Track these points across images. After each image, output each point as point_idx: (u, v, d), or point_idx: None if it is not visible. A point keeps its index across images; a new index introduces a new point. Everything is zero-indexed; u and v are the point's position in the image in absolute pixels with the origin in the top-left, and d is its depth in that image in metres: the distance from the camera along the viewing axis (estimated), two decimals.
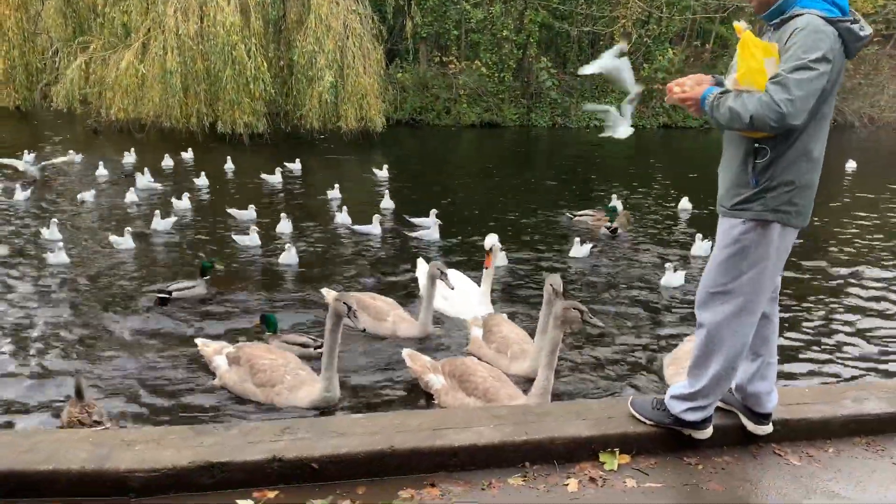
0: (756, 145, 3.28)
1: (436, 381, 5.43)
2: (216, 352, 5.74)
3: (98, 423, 4.84)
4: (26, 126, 23.04)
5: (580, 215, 11.73)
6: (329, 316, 5.11)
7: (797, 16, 3.15)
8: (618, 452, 3.68)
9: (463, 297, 7.37)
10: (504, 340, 6.13)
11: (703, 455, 3.76)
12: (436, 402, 5.40)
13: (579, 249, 9.63)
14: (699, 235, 9.97)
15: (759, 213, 3.31)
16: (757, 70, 3.11)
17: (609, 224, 11.00)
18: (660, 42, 28.80)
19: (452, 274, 7.87)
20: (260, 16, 18.66)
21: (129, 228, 9.70)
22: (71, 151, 15.53)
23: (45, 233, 9.69)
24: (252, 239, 9.81)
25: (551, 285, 5.79)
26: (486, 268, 7.29)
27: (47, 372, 5.85)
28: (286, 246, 9.17)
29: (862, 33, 3.17)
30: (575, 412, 3.90)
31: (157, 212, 10.70)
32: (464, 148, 23.28)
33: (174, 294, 7.59)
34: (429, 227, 10.68)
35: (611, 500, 3.34)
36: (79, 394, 4.86)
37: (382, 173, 15.38)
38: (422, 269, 8.23)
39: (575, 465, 3.61)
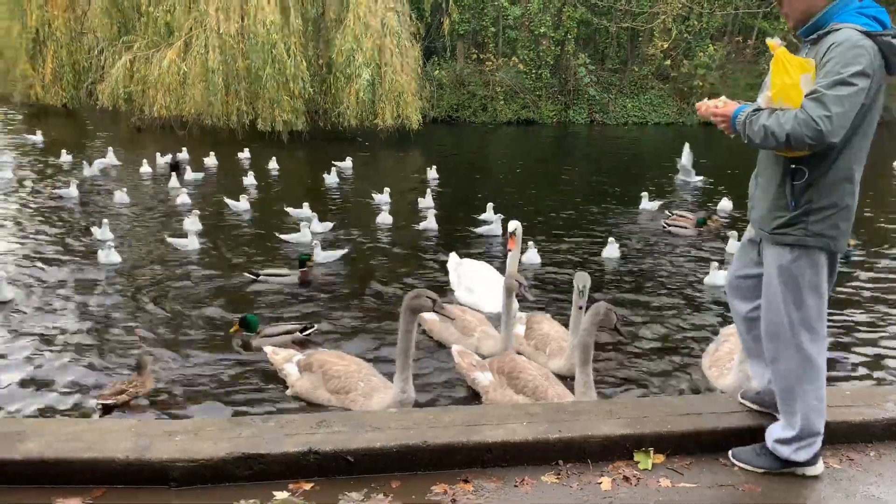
0: (794, 166, 3.20)
1: (483, 378, 5.43)
2: (286, 360, 5.64)
3: (135, 396, 5.04)
4: (73, 124, 23.64)
5: (674, 222, 11.16)
6: (403, 313, 4.83)
7: (835, 30, 3.06)
8: (652, 452, 3.66)
9: (488, 289, 7.35)
10: (544, 338, 6.11)
11: None
12: (483, 399, 5.36)
13: (611, 250, 9.54)
14: (734, 233, 9.83)
15: (800, 237, 3.24)
16: (792, 86, 3.02)
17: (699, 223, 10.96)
18: (700, 38, 28.42)
19: (478, 265, 8.07)
20: (299, 14, 18.85)
21: (192, 228, 9.85)
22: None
23: (97, 232, 9.76)
24: (304, 235, 9.88)
25: (578, 285, 5.78)
26: (511, 250, 7.14)
27: (105, 365, 5.97)
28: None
29: None
30: (609, 411, 3.88)
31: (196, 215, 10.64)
32: (502, 145, 23.22)
33: (262, 278, 7.96)
34: (491, 223, 10.73)
35: (645, 500, 3.33)
36: (139, 367, 5.01)
37: (432, 173, 15.22)
38: (453, 262, 8.28)
39: (609, 464, 3.60)
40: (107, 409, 4.99)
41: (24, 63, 23.97)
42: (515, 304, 6.21)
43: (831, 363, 6.17)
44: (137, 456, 3.30)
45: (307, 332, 6.38)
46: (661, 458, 3.67)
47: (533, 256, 9.12)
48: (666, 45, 27.92)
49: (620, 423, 3.76)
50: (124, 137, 20.45)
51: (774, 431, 3.59)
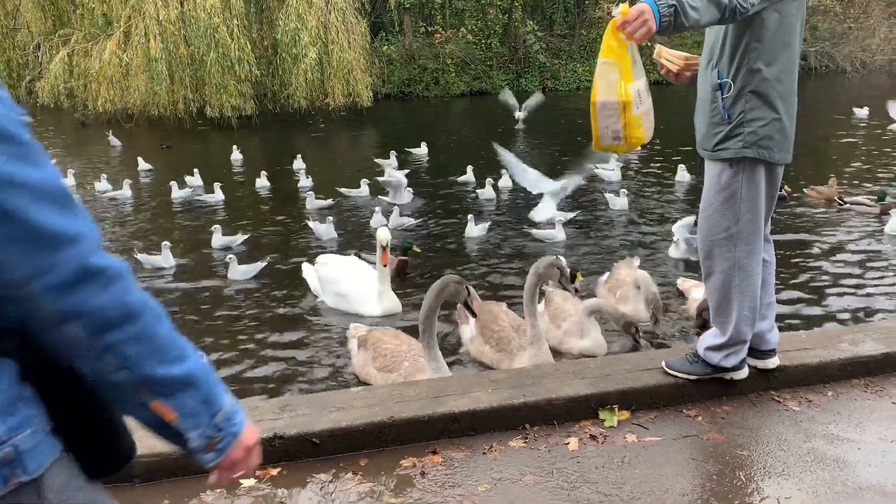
0: (720, 81, 3.34)
1: (466, 331, 5.41)
2: (353, 336, 5.52)
3: None
4: None
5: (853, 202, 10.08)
6: (434, 291, 4.48)
7: None
8: (617, 409, 3.69)
9: (361, 291, 6.66)
10: (559, 311, 5.75)
11: (702, 406, 3.78)
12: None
13: (473, 229, 9.10)
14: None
15: (739, 150, 3.36)
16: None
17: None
18: None
19: (348, 261, 7.02)
20: None
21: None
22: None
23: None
24: (328, 230, 9.18)
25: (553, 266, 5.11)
26: (384, 265, 6.51)
27: None
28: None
29: None
30: (572, 372, 3.91)
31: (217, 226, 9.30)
32: (456, 117, 23.12)
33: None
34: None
35: (612, 456, 3.36)
36: None
37: (421, 150, 14.81)
38: (308, 267, 7.33)
39: (575, 424, 3.63)
40: None
41: None
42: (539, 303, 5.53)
43: (787, 308, 6.31)
44: None
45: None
46: (626, 414, 3.70)
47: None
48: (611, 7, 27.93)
49: (584, 383, 3.78)
50: (69, 134, 19.91)
51: (706, 339, 3.77)
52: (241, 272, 7.70)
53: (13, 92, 22.44)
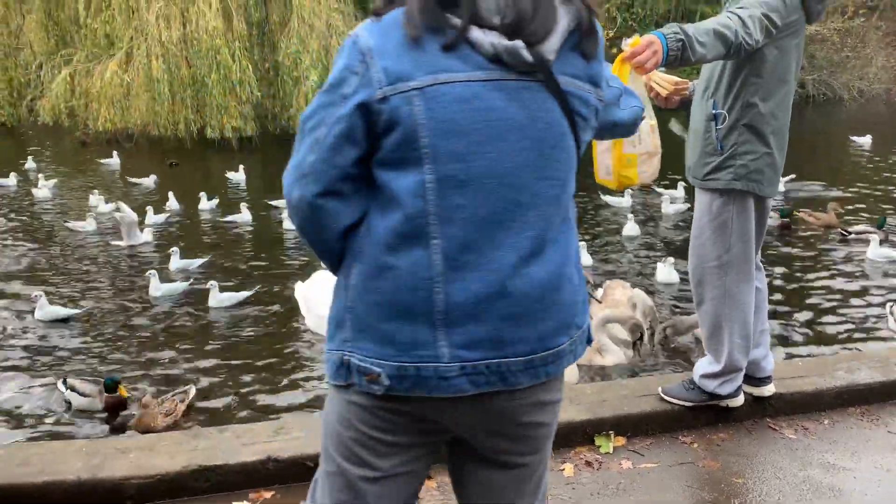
0: (715, 112, 3.37)
1: None
2: None
3: (169, 415, 4.97)
4: (13, 142, 22.94)
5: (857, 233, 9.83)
6: None
7: None
8: (613, 435, 3.68)
9: None
10: (615, 304, 6.13)
11: (698, 433, 3.78)
12: None
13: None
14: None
15: (729, 182, 3.38)
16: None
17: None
18: (645, 25, 28.76)
19: (327, 279, 6.42)
20: (243, 19, 18.55)
21: None
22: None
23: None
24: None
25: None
26: None
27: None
28: None
29: None
30: (568, 398, 3.89)
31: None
32: None
33: None
34: None
35: (607, 483, 3.35)
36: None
37: None
38: (300, 287, 7.08)
39: (570, 451, 3.62)
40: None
41: None
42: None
43: (783, 334, 6.32)
44: (90, 475, 3.21)
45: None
46: (621, 440, 3.70)
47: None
48: (612, 34, 28.20)
49: (580, 408, 3.78)
50: (69, 153, 19.95)
51: (701, 367, 3.76)
52: (220, 300, 7.46)
53: (14, 111, 22.58)
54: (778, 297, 7.22)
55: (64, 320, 7.09)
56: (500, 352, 1.61)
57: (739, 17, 3.00)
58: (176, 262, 8.77)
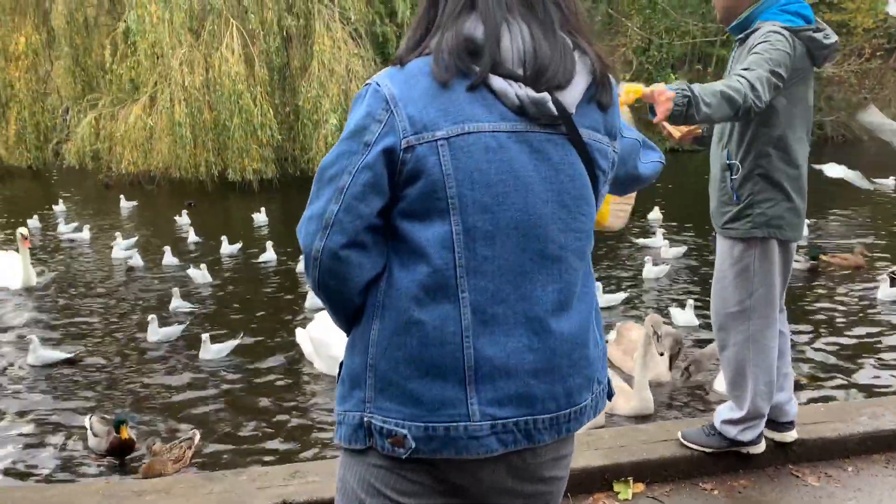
0: (728, 162, 3.39)
1: None
2: None
3: (178, 461, 4.90)
4: (39, 185, 23.38)
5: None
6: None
7: (758, 29, 3.25)
8: (632, 481, 3.63)
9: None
10: (631, 344, 6.34)
11: (718, 480, 3.71)
12: None
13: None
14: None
15: (748, 230, 3.37)
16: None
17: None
18: (661, 67, 28.97)
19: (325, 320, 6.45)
20: (264, 64, 18.96)
21: None
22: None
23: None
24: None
25: (651, 326, 5.33)
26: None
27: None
28: None
29: (826, 41, 3.27)
30: (585, 442, 3.85)
31: None
32: None
33: None
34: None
35: None
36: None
37: None
38: (301, 334, 7.13)
39: (589, 497, 3.57)
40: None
41: None
42: (654, 352, 5.47)
43: (805, 380, 6.22)
44: None
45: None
46: (640, 486, 3.64)
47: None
48: (628, 77, 28.43)
49: (598, 454, 3.73)
50: (92, 195, 20.29)
51: (723, 413, 3.70)
52: (213, 351, 7.17)
53: (40, 154, 23.03)
54: (801, 340, 7.14)
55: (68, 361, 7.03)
56: (530, 409, 1.57)
57: (748, 81, 3.00)
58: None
